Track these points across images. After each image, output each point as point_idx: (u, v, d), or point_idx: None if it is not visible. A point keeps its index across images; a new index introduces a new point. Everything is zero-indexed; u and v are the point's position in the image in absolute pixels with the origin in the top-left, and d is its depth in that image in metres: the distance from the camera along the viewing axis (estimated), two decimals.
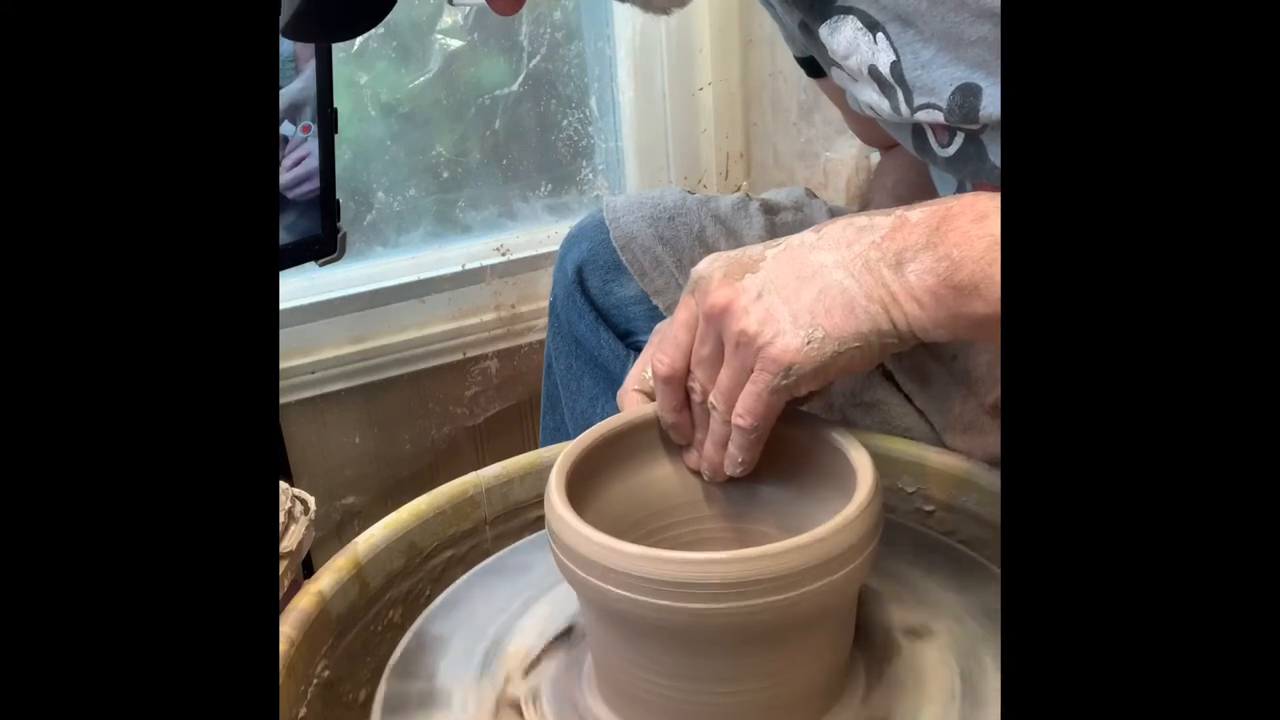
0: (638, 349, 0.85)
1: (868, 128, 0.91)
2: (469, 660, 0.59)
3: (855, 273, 0.53)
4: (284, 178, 1.05)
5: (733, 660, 0.51)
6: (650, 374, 0.60)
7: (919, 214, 0.54)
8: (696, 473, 0.61)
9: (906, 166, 0.90)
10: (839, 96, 0.87)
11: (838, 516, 0.50)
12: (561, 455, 0.57)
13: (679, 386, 0.58)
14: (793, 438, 0.59)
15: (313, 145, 1.06)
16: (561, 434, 0.94)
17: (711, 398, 0.56)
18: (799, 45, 0.85)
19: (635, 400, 0.64)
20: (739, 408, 0.55)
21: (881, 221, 0.55)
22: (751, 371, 0.54)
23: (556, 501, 0.53)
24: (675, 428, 0.60)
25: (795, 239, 0.56)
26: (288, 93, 1.03)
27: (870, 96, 0.69)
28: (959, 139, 0.69)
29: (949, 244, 0.52)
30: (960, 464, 0.69)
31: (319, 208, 1.09)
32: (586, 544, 0.50)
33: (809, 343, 0.52)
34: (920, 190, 0.86)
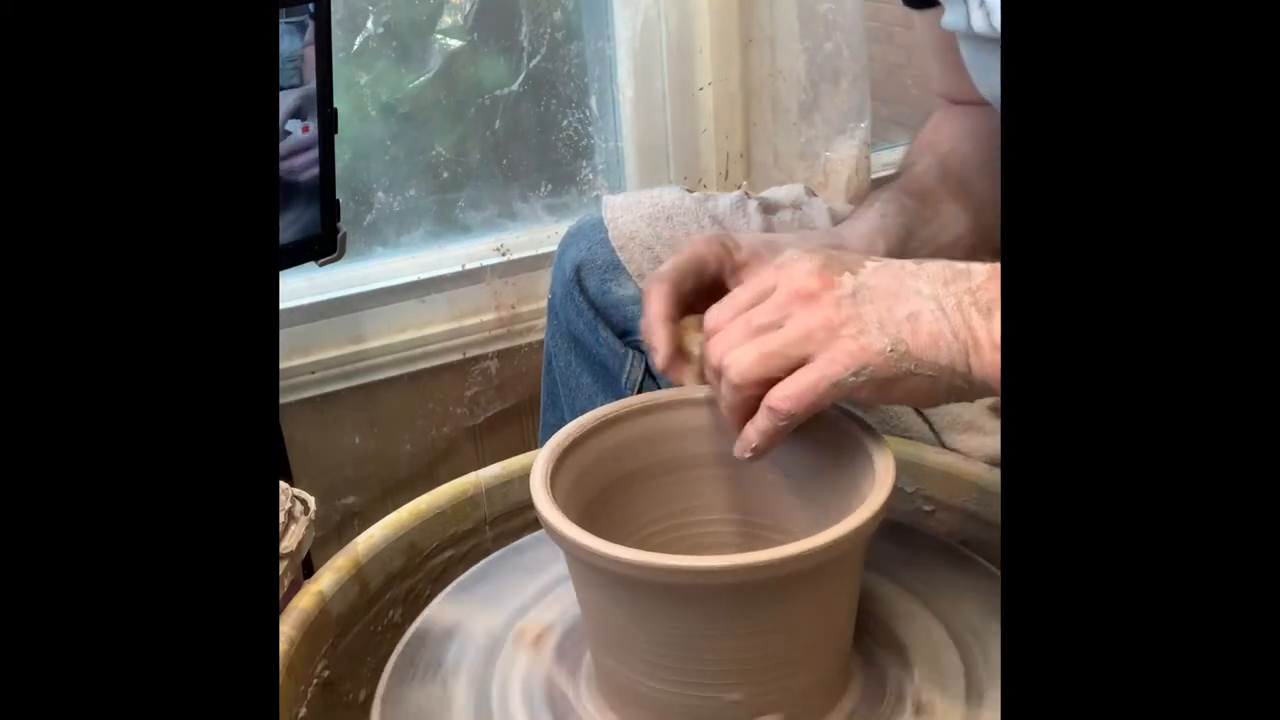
0: (636, 347, 0.85)
1: (954, 77, 0.88)
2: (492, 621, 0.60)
3: (948, 309, 0.53)
4: (295, 161, 1.04)
5: (723, 621, 0.50)
6: (678, 265, 0.60)
7: None
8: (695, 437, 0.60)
9: (963, 134, 0.88)
10: (935, 39, 0.85)
11: (851, 517, 0.49)
12: (550, 443, 0.57)
13: None
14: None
15: (313, 144, 1.06)
16: None
17: (727, 359, 0.55)
18: None
19: (658, 291, 0.63)
20: (786, 389, 0.53)
21: (979, 269, 0.55)
22: (804, 361, 0.53)
23: (540, 496, 0.53)
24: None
25: (896, 261, 0.57)
26: (303, 92, 1.02)
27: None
28: None
29: None
30: (960, 464, 0.69)
31: (319, 208, 1.08)
32: (569, 544, 0.50)
33: (891, 350, 0.52)
34: (973, 168, 0.84)
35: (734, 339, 0.55)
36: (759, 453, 0.55)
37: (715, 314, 0.57)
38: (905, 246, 0.80)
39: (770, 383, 0.53)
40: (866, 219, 0.80)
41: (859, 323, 0.53)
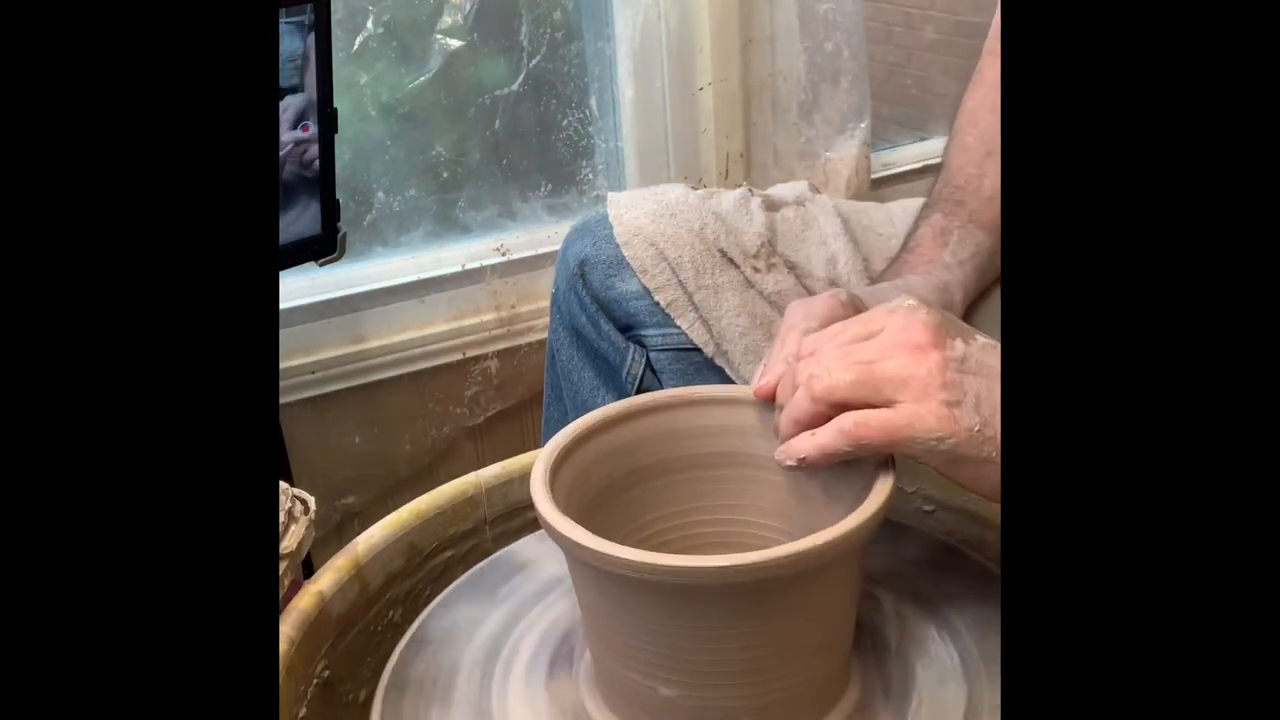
0: (639, 342, 0.85)
1: None
2: None
3: None
4: (295, 161, 1.04)
5: (723, 622, 0.50)
6: (818, 316, 0.58)
7: None
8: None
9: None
10: None
11: (851, 517, 0.49)
12: (550, 443, 0.57)
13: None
14: None
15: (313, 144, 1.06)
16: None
17: (817, 371, 0.53)
18: None
19: (793, 337, 0.59)
20: (871, 419, 0.52)
21: None
22: (889, 404, 0.52)
23: (541, 496, 0.53)
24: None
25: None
26: (303, 93, 1.02)
27: None
28: None
29: None
30: None
31: (319, 208, 1.09)
32: (569, 544, 0.50)
33: (976, 429, 0.51)
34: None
35: (830, 363, 0.54)
36: (804, 465, 0.54)
37: (815, 338, 0.56)
38: (977, 290, 0.79)
39: (845, 409, 0.53)
40: (942, 266, 0.78)
41: (958, 391, 0.52)
